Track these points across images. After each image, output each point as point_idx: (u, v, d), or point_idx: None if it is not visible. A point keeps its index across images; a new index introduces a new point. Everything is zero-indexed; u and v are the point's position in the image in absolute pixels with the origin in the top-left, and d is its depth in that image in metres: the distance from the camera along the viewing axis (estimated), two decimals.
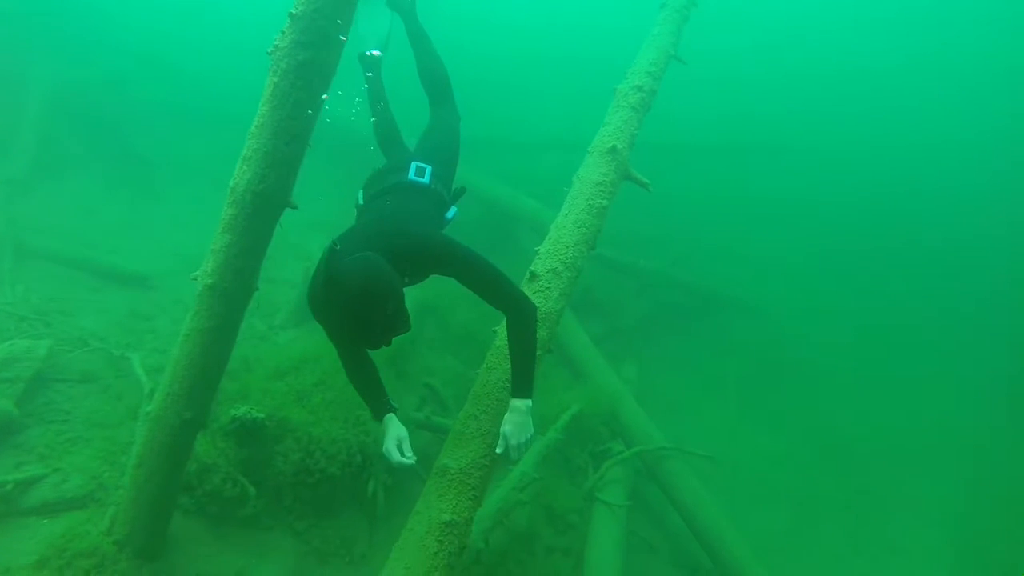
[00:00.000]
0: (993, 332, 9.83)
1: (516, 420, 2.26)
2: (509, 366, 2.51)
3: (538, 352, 2.59)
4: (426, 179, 2.72)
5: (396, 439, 2.33)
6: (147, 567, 2.94)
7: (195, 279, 2.65)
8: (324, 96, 2.49)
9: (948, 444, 7.49)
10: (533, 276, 2.75)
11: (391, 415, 2.42)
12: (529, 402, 2.29)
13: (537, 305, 2.64)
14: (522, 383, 2.30)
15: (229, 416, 3.38)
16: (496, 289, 2.32)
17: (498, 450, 2.30)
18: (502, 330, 2.67)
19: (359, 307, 1.94)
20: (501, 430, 2.27)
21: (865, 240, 11.62)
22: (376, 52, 3.50)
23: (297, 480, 3.59)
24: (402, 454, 2.30)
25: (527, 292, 2.70)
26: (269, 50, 2.39)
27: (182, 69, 9.31)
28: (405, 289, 2.23)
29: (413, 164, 2.74)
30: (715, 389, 7.75)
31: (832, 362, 8.69)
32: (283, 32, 2.34)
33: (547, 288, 2.71)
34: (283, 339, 5.16)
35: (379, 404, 2.44)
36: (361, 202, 2.71)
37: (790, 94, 14.74)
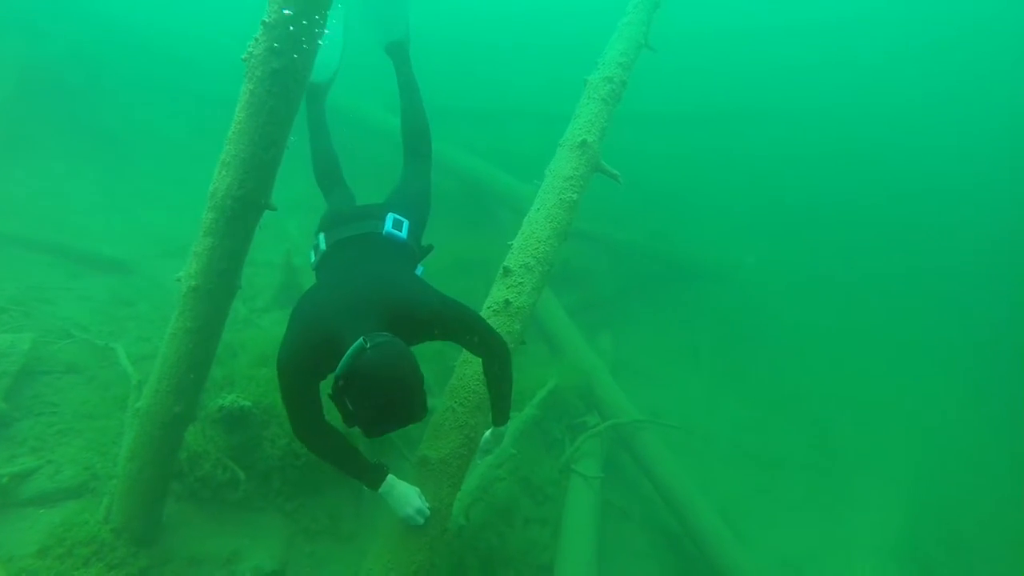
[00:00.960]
0: (959, 303, 10.22)
1: (496, 436, 2.63)
2: None
3: (511, 345, 2.75)
4: (403, 233, 2.61)
5: (414, 503, 2.40)
6: (144, 552, 3.09)
7: (179, 281, 2.73)
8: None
9: (907, 407, 7.89)
10: (507, 271, 2.88)
11: (390, 476, 2.42)
12: (508, 425, 2.63)
13: (511, 299, 2.79)
14: (502, 415, 2.56)
15: (217, 405, 3.49)
16: (482, 340, 2.37)
17: (477, 459, 2.62)
18: None
19: (398, 396, 1.87)
20: (483, 441, 2.62)
21: (836, 211, 11.85)
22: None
23: (285, 463, 3.73)
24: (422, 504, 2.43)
25: (501, 287, 2.84)
26: (243, 56, 2.44)
27: (153, 41, 9.05)
28: None
29: (390, 216, 2.63)
30: (689, 358, 8.02)
31: (801, 329, 9.01)
32: (256, 39, 2.38)
33: (520, 283, 2.84)
34: (266, 322, 5.25)
35: (371, 471, 2.37)
36: (324, 247, 2.56)
37: (764, 59, 14.76)
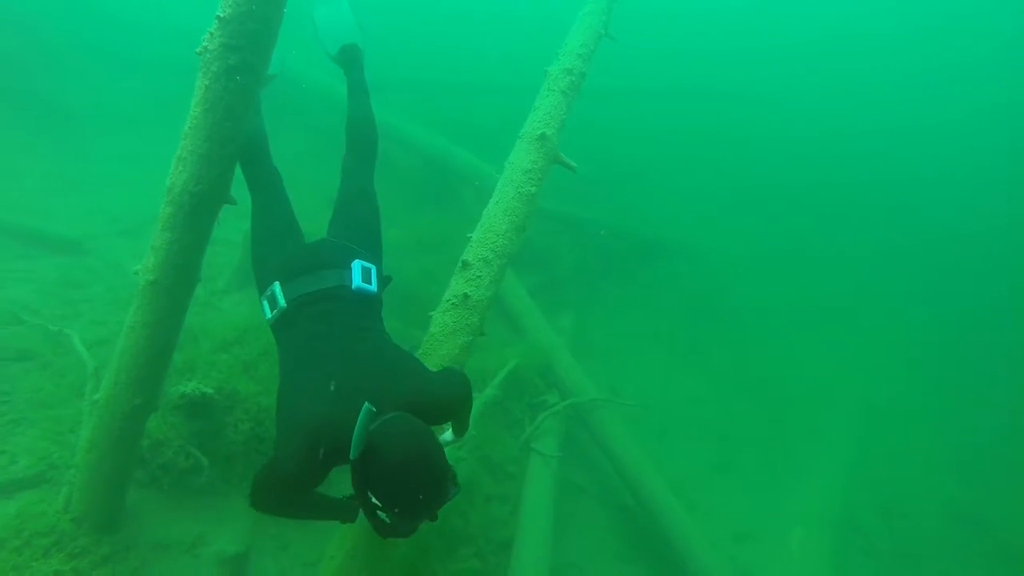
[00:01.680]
0: (917, 283, 10.65)
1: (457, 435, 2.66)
2: (445, 352, 2.77)
3: (469, 338, 2.84)
4: (373, 286, 2.41)
5: None
6: (106, 540, 3.12)
7: (137, 274, 2.71)
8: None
9: (856, 383, 8.28)
10: (465, 265, 2.94)
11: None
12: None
13: (469, 293, 2.87)
14: (462, 430, 2.61)
15: (178, 393, 3.50)
16: (467, 410, 2.45)
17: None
18: (437, 316, 2.88)
19: (423, 471, 1.77)
20: (442, 439, 2.61)
21: (798, 189, 12.09)
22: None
23: (248, 448, 3.77)
24: None
25: (460, 281, 2.91)
26: (197, 50, 2.41)
27: (99, 4, 8.64)
28: None
29: (357, 266, 2.40)
30: (649, 334, 8.21)
31: (760, 306, 9.27)
32: (211, 33, 2.35)
33: (479, 276, 2.91)
34: (226, 304, 5.21)
35: (343, 509, 2.29)
36: (283, 303, 2.29)
37: (728, 37, 14.86)
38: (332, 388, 1.99)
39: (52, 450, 3.43)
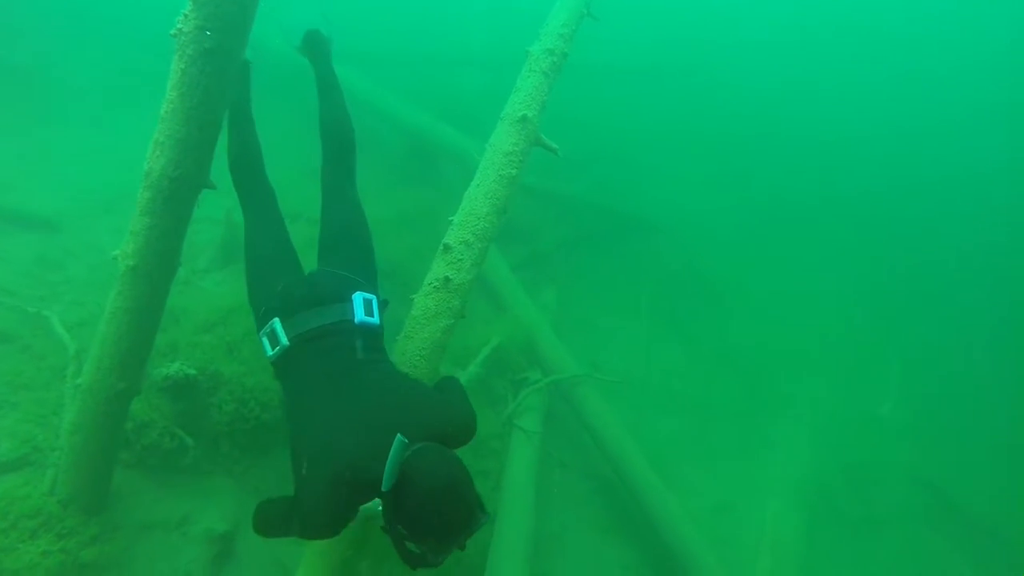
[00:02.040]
0: (890, 262, 10.85)
1: None
2: (427, 335, 2.81)
3: (451, 321, 2.88)
4: (376, 317, 2.40)
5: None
6: (94, 520, 3.15)
7: (116, 259, 2.70)
8: None
9: (825, 352, 8.50)
10: (447, 248, 2.96)
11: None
12: None
13: (450, 276, 2.90)
14: None
15: (162, 375, 3.50)
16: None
17: None
18: (419, 299, 2.90)
19: (455, 500, 1.78)
20: None
21: (781, 163, 12.18)
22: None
23: (233, 428, 3.81)
24: None
25: (441, 264, 2.93)
26: (172, 32, 2.37)
27: None
28: None
29: (359, 299, 2.37)
30: (630, 309, 8.31)
31: (740, 280, 9.42)
32: (185, 15, 2.31)
33: (460, 260, 2.94)
34: (208, 283, 5.18)
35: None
36: (286, 341, 2.26)
37: (711, 16, 14.76)
38: (351, 425, 1.98)
39: (36, 432, 3.43)
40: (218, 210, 5.62)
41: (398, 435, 1.79)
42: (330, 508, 1.87)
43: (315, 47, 3.17)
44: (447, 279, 2.88)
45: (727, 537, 5.36)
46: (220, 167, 2.70)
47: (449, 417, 2.13)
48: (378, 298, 2.50)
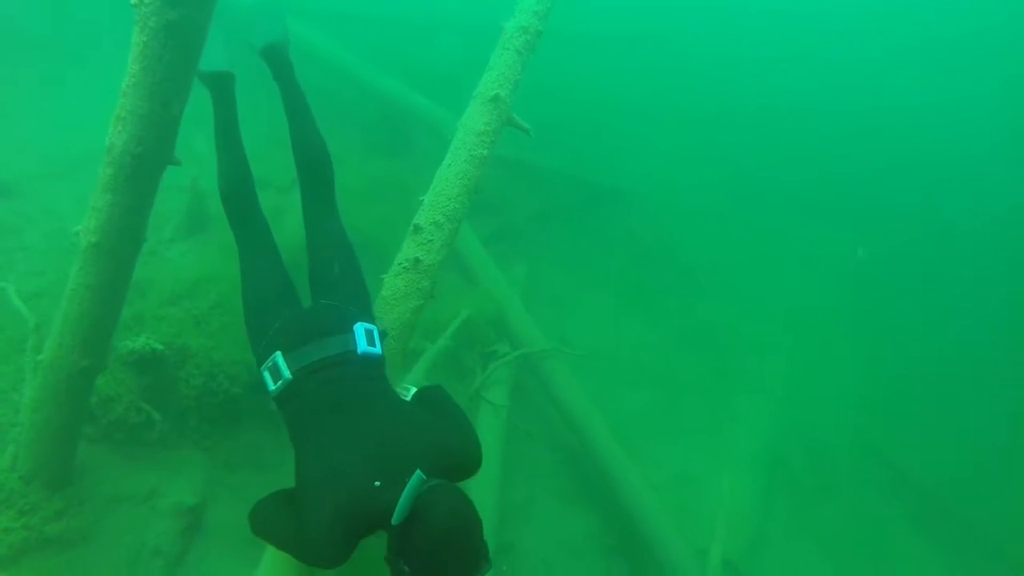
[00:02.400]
0: (856, 237, 11.08)
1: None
2: (396, 316, 2.84)
3: (420, 301, 2.90)
4: (378, 348, 2.40)
5: None
6: (58, 495, 3.14)
7: (77, 235, 2.64)
8: None
9: (792, 329, 8.74)
10: (417, 229, 2.96)
11: None
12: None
13: (420, 257, 2.91)
14: None
15: (127, 349, 3.46)
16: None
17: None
18: (388, 279, 2.91)
19: (463, 544, 1.78)
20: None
21: (753, 137, 12.23)
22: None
23: (201, 402, 3.81)
24: None
25: (412, 245, 2.94)
26: (133, 1, 2.29)
27: None
28: None
29: (360, 329, 2.37)
30: (600, 282, 8.41)
31: (703, 253, 9.56)
32: None
33: (430, 240, 2.94)
34: (174, 254, 5.08)
35: None
36: (289, 374, 2.24)
37: None
38: (356, 457, 1.97)
39: None
40: (184, 178, 5.48)
41: (417, 471, 1.81)
42: (332, 539, 1.86)
43: (277, 59, 3.07)
44: (417, 260, 2.89)
45: (688, 507, 5.58)
46: (184, 141, 2.64)
47: (455, 449, 2.14)
48: (378, 328, 2.50)
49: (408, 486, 1.79)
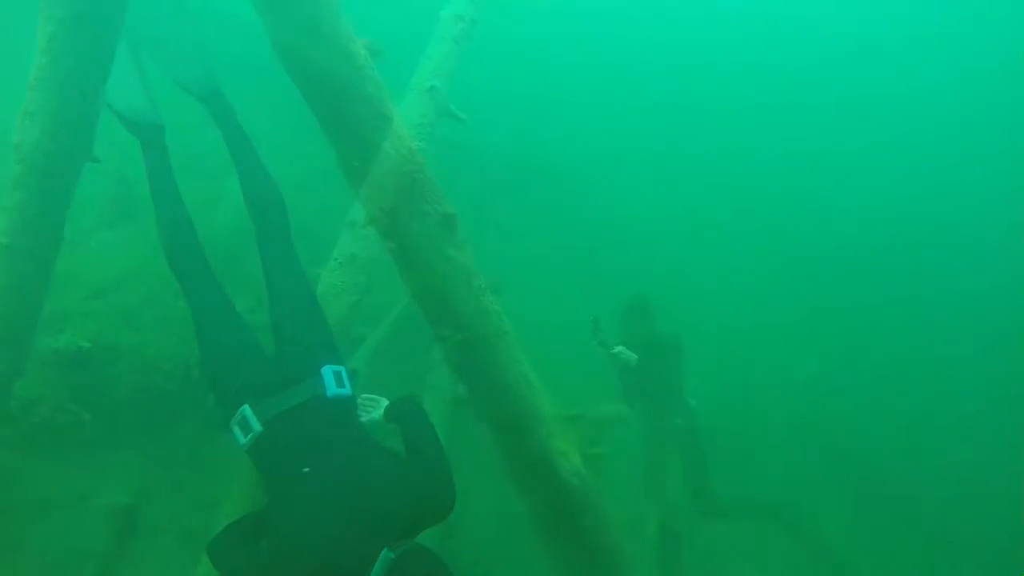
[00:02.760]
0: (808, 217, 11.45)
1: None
2: (334, 311, 2.83)
3: (357, 297, 2.91)
4: (347, 388, 2.39)
5: None
6: None
7: None
8: None
9: (740, 304, 9.06)
10: (352, 224, 2.95)
11: None
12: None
13: (356, 252, 2.91)
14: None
15: (51, 348, 3.33)
16: None
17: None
18: (325, 275, 2.90)
19: None
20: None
21: (701, 110, 12.36)
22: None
23: (135, 399, 3.70)
24: None
25: (348, 240, 2.93)
26: None
27: None
28: None
29: (328, 372, 2.36)
30: (542, 261, 8.49)
31: (646, 226, 9.77)
32: None
33: (366, 236, 2.94)
34: (96, 244, 4.84)
35: None
36: (259, 427, 2.22)
37: None
38: (325, 515, 1.94)
39: None
40: (107, 160, 5.22)
41: (384, 549, 1.78)
42: None
43: (216, 105, 2.96)
44: (353, 256, 2.88)
45: (626, 478, 5.77)
46: (106, 128, 2.54)
47: (427, 499, 2.14)
48: (346, 368, 2.47)
49: (376, 566, 1.76)
